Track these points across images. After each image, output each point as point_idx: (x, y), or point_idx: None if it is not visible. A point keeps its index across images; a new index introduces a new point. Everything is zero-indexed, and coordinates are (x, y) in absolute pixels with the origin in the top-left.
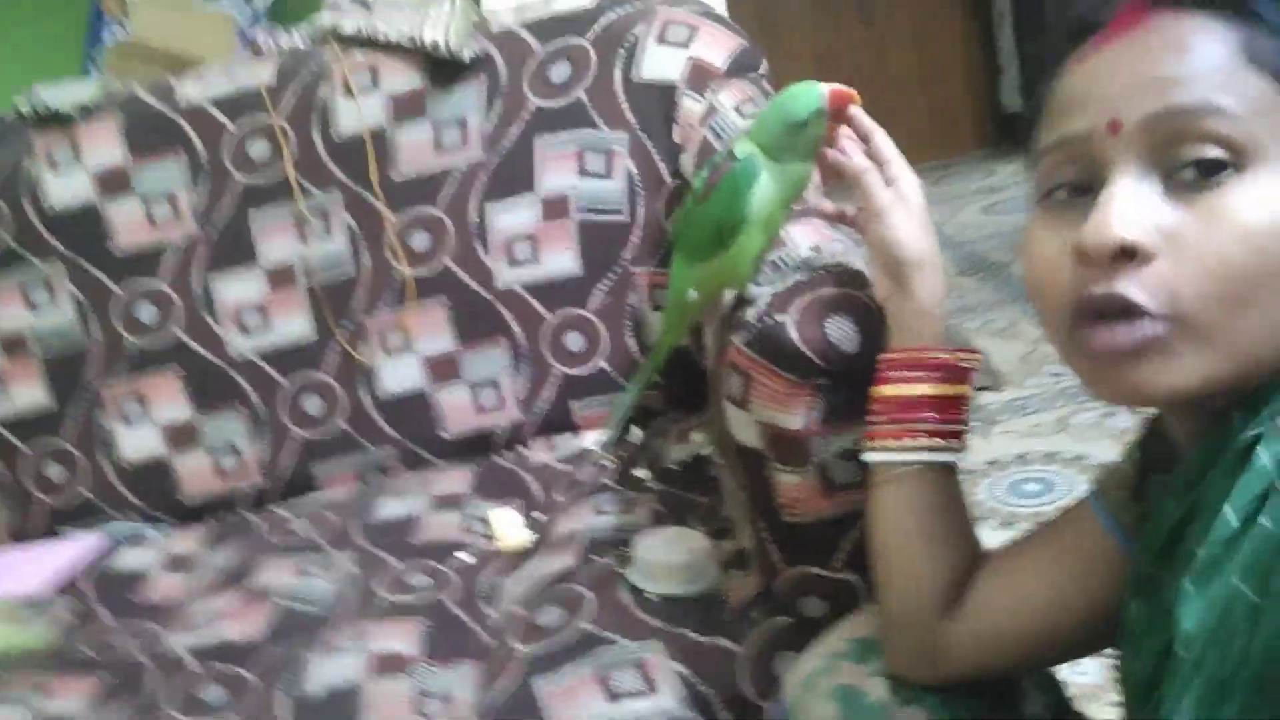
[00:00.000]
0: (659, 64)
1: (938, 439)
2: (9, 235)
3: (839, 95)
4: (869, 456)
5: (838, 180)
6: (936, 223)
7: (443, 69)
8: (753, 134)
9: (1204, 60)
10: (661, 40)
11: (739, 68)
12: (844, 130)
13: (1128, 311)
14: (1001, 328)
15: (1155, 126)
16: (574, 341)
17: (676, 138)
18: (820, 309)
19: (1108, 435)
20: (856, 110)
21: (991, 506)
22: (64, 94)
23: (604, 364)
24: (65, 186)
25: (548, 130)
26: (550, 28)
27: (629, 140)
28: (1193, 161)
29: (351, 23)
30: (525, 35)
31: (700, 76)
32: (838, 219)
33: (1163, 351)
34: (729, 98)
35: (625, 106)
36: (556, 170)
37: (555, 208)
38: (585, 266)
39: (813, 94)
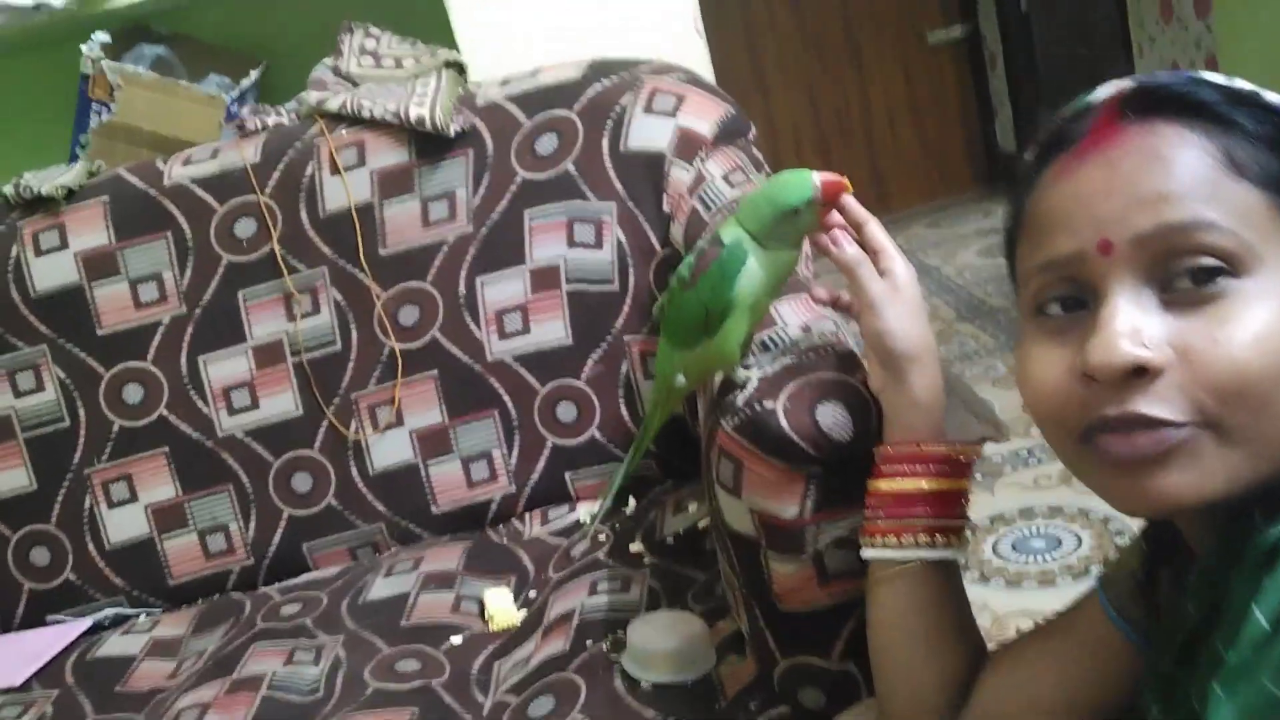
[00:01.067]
0: (646, 134)
1: (938, 536)
2: None
3: (831, 185)
4: (867, 554)
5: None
6: (934, 266)
7: (430, 143)
8: (740, 217)
9: (1188, 173)
10: (649, 110)
11: (727, 134)
12: (835, 218)
13: (1148, 423)
14: (1002, 375)
15: (1148, 244)
16: (566, 412)
17: (666, 207)
18: (811, 394)
19: None
20: (849, 199)
21: (998, 565)
22: (50, 178)
23: (597, 434)
24: (51, 269)
25: (536, 202)
26: (537, 100)
27: (618, 210)
28: (1188, 272)
29: (337, 100)
30: (512, 108)
31: (688, 145)
32: (831, 305)
33: (1190, 454)
34: (717, 166)
35: (614, 176)
36: (546, 241)
37: (545, 279)
38: (576, 337)
39: (805, 183)
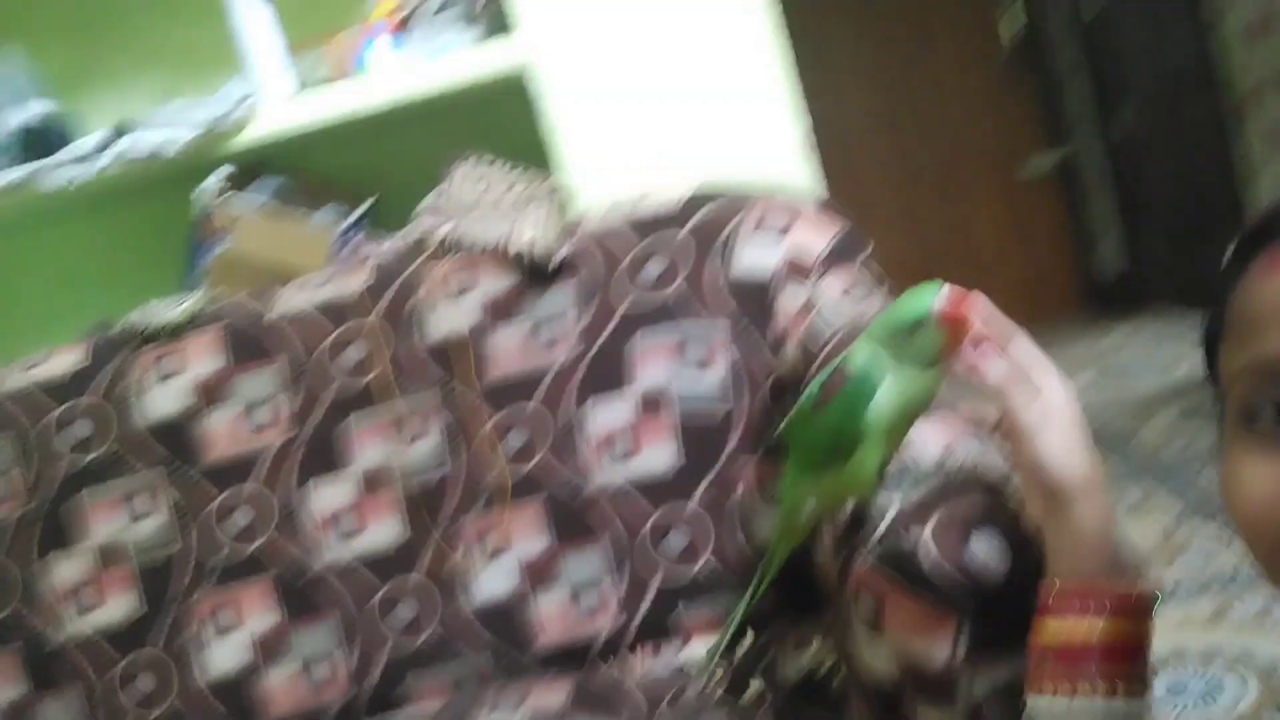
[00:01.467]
0: (757, 253)
1: (1119, 684)
2: (114, 445)
3: (956, 298)
4: (1037, 706)
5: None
6: None
7: (537, 268)
8: (872, 336)
9: None
10: (759, 229)
11: (841, 253)
12: (981, 336)
13: None
14: (1135, 502)
15: None
16: (678, 540)
17: (778, 328)
18: (962, 523)
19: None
20: (987, 312)
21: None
22: (169, 309)
23: (711, 563)
24: (167, 395)
25: (645, 323)
26: (645, 223)
27: (729, 328)
28: None
29: (444, 230)
30: (620, 231)
31: (801, 263)
32: (977, 428)
33: None
34: (832, 285)
35: (725, 295)
36: (654, 363)
37: (654, 401)
38: (687, 460)
39: (924, 296)
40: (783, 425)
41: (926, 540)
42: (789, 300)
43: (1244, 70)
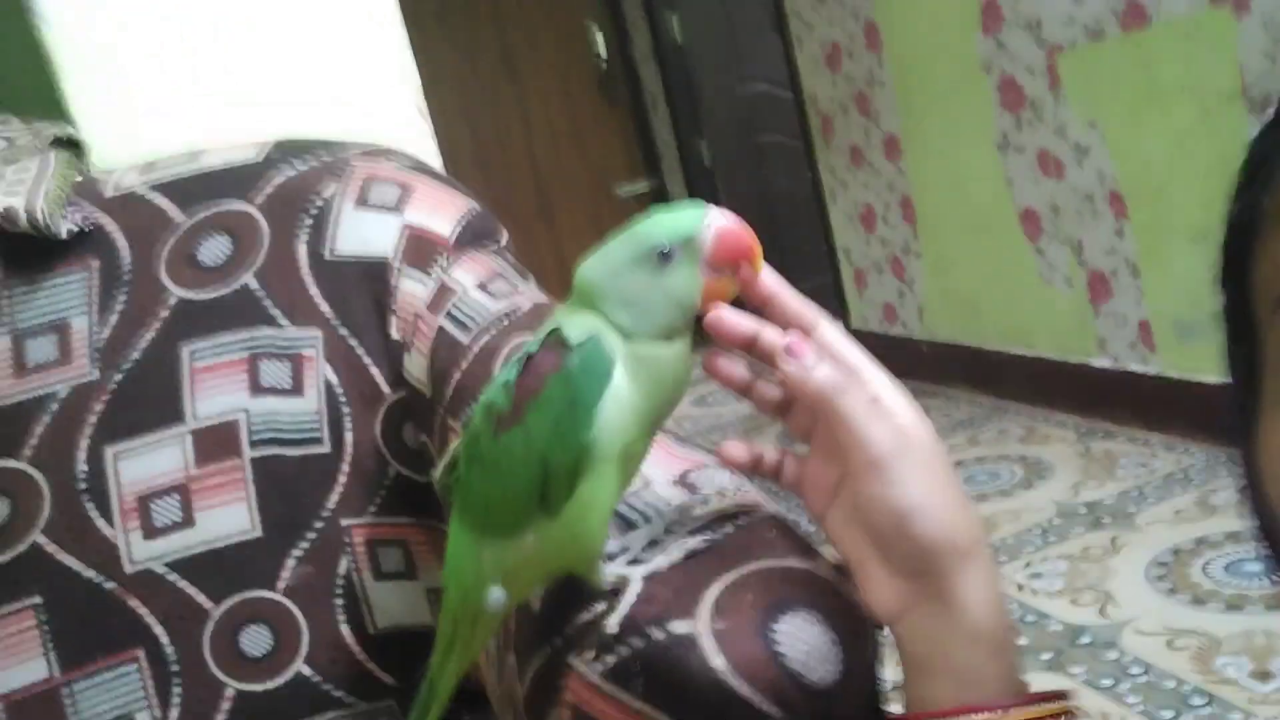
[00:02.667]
0: (362, 235)
1: None
2: None
3: (731, 224)
4: None
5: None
6: None
7: (27, 251)
8: (584, 295)
9: None
10: (363, 204)
11: (473, 236)
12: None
13: None
14: None
15: None
16: (256, 640)
17: (395, 332)
18: (757, 603)
19: None
20: (770, 274)
21: (1209, 588)
22: None
23: (306, 670)
24: None
25: (200, 331)
26: (198, 189)
27: (324, 338)
28: None
29: None
30: (160, 201)
31: (422, 249)
32: (752, 469)
33: None
34: (467, 274)
35: (316, 293)
36: (217, 388)
37: (217, 442)
38: (268, 525)
39: (680, 217)
40: (441, 466)
41: (701, 638)
42: (408, 295)
43: (818, 96)
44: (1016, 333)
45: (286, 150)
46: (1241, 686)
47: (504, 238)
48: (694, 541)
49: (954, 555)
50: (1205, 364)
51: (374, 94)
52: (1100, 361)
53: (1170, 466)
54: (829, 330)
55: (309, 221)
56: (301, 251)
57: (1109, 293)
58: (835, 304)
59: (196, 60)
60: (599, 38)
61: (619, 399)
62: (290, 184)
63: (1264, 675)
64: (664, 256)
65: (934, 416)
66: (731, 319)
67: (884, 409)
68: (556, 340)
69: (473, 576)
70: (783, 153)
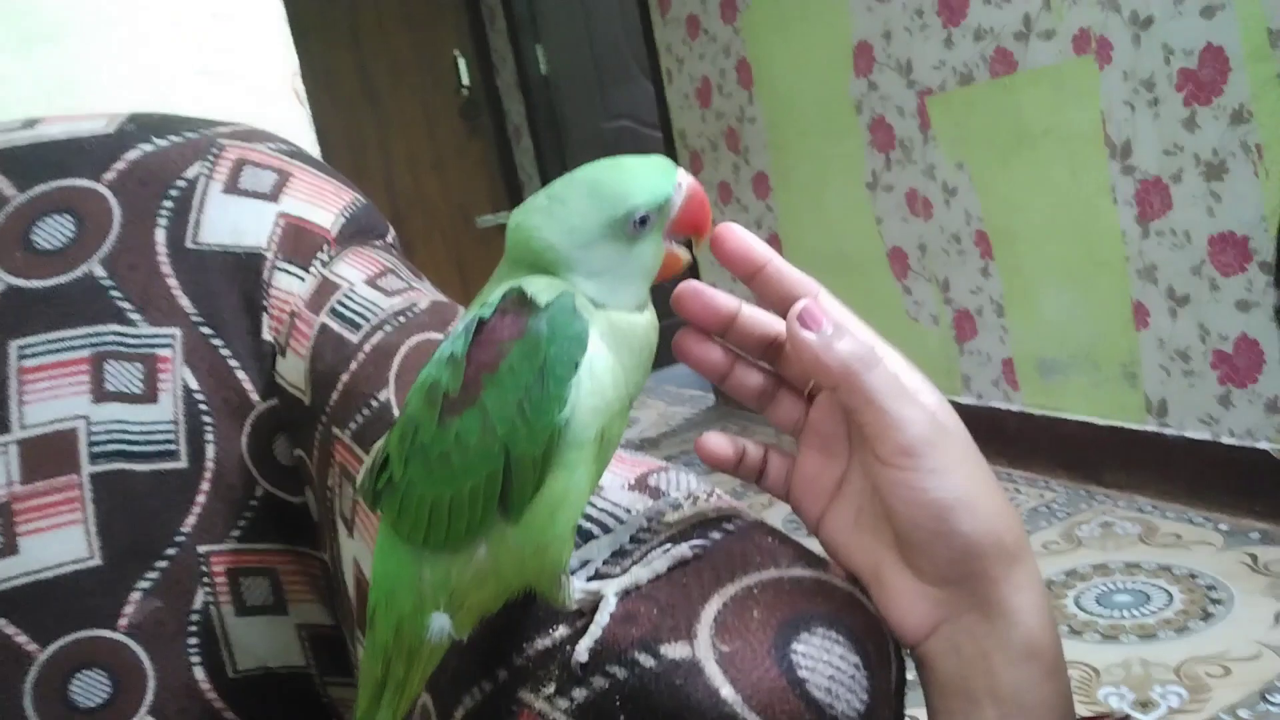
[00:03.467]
0: (232, 222)
1: None
2: None
3: (700, 199)
4: None
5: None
6: None
7: None
8: (536, 259)
9: None
10: (234, 189)
11: (358, 230)
12: (740, 256)
13: None
14: None
15: None
16: (91, 688)
17: (268, 333)
18: (767, 621)
19: None
20: (747, 236)
21: (1085, 619)
22: None
23: None
24: None
25: (33, 327)
26: (35, 162)
27: (184, 338)
28: None
29: None
30: None
31: (301, 242)
32: (734, 468)
33: None
34: (354, 270)
35: (176, 286)
36: (50, 391)
37: (48, 455)
38: (109, 553)
39: (661, 173)
40: (364, 469)
41: (704, 663)
42: (284, 291)
43: (687, 132)
44: None
45: (144, 124)
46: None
47: (390, 234)
48: (680, 549)
49: (1002, 556)
50: (1067, 401)
51: (246, 69)
52: (965, 399)
53: (1034, 501)
54: (832, 301)
55: (169, 205)
56: (160, 239)
57: (974, 331)
58: None
59: (23, 7)
60: (463, 66)
61: (596, 370)
62: (148, 162)
63: (1146, 705)
64: (641, 223)
65: None
66: (710, 292)
67: (910, 388)
68: (517, 300)
69: (411, 602)
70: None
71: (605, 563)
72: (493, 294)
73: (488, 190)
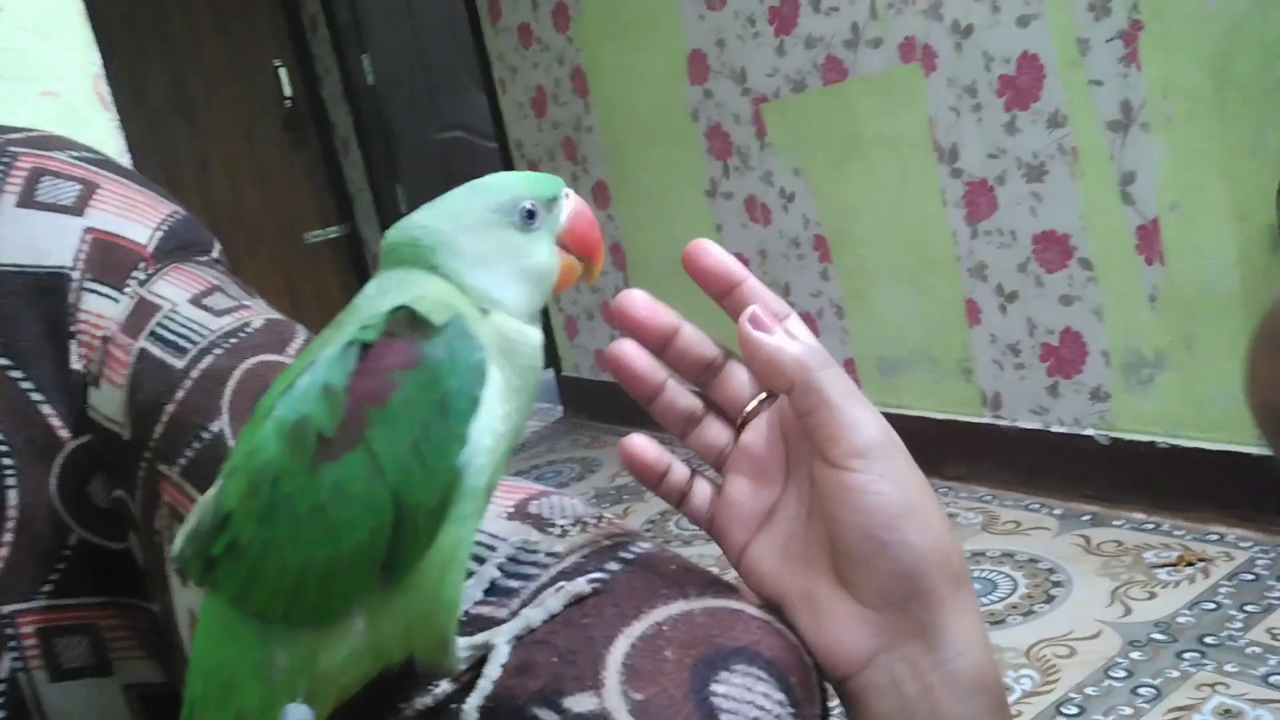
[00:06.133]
0: (29, 239)
1: None
2: None
3: (588, 215)
4: None
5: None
6: None
7: None
8: (415, 252)
9: None
10: (30, 202)
11: (178, 246)
12: (712, 263)
13: None
14: None
15: None
16: None
17: (77, 361)
18: (686, 661)
19: None
20: (711, 247)
21: None
22: None
23: None
24: None
25: None
26: None
27: None
28: None
29: None
30: None
31: (112, 259)
32: (657, 482)
33: None
34: (175, 288)
35: None
36: None
37: None
38: None
39: (543, 177)
40: (183, 532)
41: (615, 714)
42: (94, 314)
43: (524, 141)
44: None
45: None
46: None
47: (216, 249)
48: (577, 585)
49: (948, 576)
50: (907, 398)
51: (39, 70)
52: None
53: None
54: (799, 324)
55: None
56: None
57: (816, 332)
58: (547, 353)
59: None
60: (284, 76)
61: (490, 402)
62: None
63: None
64: (528, 215)
65: None
66: (653, 302)
67: (859, 393)
68: (407, 321)
69: (258, 695)
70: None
71: (479, 604)
72: (371, 309)
73: (315, 205)
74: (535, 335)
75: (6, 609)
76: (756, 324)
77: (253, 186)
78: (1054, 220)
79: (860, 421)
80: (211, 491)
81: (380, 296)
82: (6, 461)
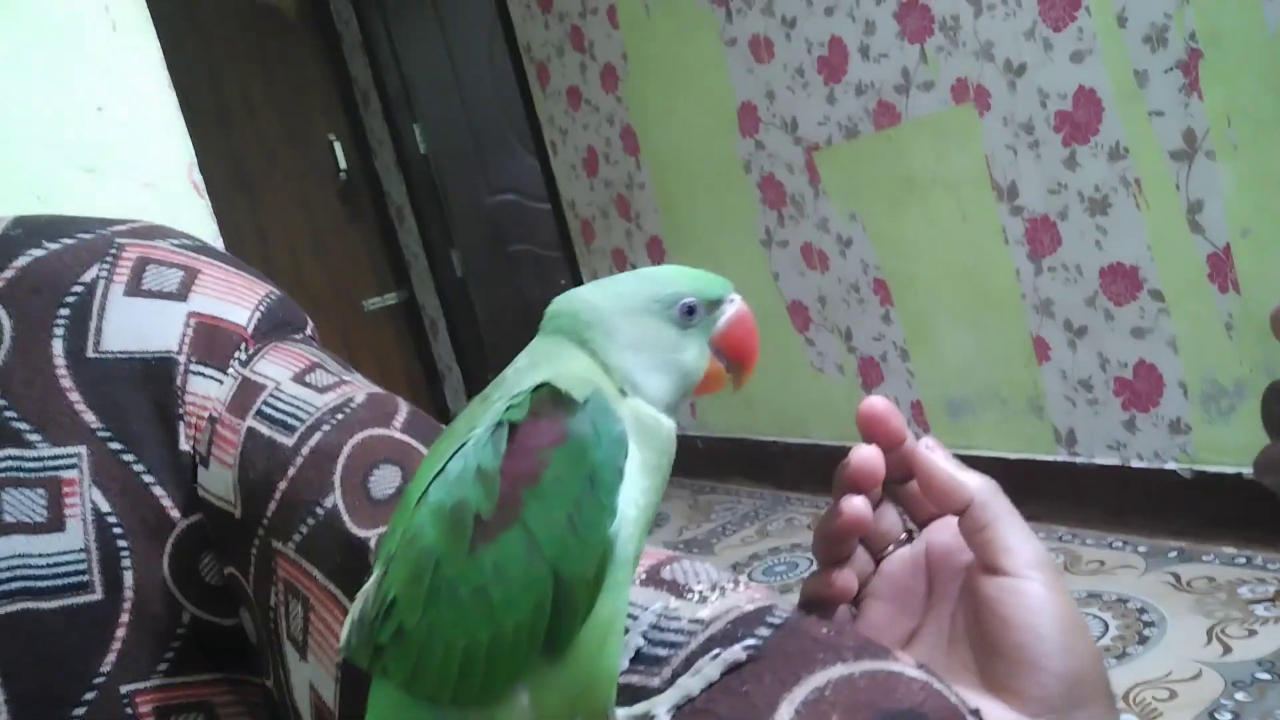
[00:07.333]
0: (137, 327)
1: None
2: None
3: (749, 322)
4: None
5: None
6: None
7: None
8: (569, 324)
9: None
10: (137, 291)
11: (275, 326)
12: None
13: None
14: None
15: None
16: None
17: (186, 442)
18: None
19: None
20: (885, 404)
21: None
22: None
23: None
24: None
25: None
26: None
27: (90, 458)
28: None
29: None
30: None
31: (215, 342)
32: (835, 600)
33: None
34: (277, 367)
35: (78, 401)
36: None
37: None
38: (16, 705)
39: (713, 277)
40: (349, 625)
41: None
42: (200, 395)
43: (576, 201)
44: (792, 423)
45: (31, 228)
46: None
47: (310, 327)
48: (733, 652)
49: (1102, 687)
50: (977, 438)
51: (138, 162)
52: None
53: None
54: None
55: (66, 313)
56: (57, 350)
57: (880, 377)
58: None
59: None
60: (338, 149)
61: (633, 475)
62: (39, 268)
63: None
64: (688, 311)
65: (719, 512)
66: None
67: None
68: (550, 398)
69: None
70: (535, 261)
71: (627, 672)
72: (518, 383)
73: (372, 273)
74: (669, 423)
75: (125, 689)
76: (933, 451)
77: (312, 257)
78: (1120, 253)
79: (1030, 537)
80: (372, 580)
81: (529, 370)
82: (122, 544)
